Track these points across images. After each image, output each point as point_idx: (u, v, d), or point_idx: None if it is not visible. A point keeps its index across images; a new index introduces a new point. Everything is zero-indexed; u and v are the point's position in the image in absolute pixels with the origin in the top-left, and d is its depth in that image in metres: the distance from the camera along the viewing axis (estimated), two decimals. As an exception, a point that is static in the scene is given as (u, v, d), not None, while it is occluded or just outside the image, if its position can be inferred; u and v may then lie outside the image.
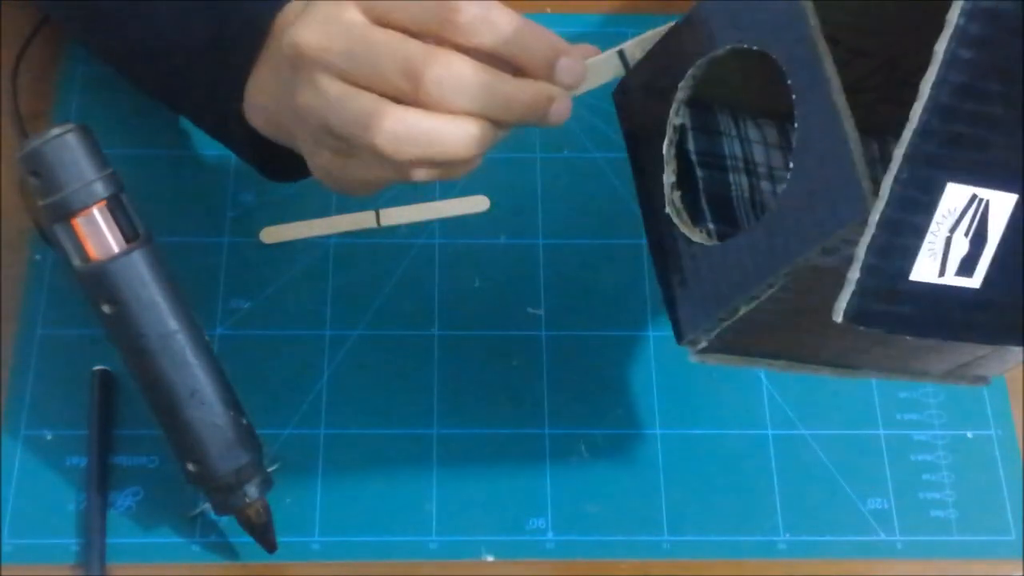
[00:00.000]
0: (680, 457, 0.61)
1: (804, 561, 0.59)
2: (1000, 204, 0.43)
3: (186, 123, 0.68)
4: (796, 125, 0.44)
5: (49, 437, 0.60)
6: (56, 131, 0.52)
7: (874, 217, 0.41)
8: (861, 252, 0.41)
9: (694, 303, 0.48)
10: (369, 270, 0.65)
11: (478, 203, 0.67)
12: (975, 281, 0.44)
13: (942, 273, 0.43)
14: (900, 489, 0.61)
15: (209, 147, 0.67)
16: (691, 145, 0.54)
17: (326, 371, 0.62)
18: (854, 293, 0.42)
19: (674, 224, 0.49)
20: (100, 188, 0.53)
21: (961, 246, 0.43)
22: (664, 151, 0.50)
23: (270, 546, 0.57)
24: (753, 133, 0.56)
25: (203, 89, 0.56)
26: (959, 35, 0.40)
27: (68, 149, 0.52)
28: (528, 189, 0.68)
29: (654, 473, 0.61)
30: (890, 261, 0.42)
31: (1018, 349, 0.50)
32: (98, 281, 0.53)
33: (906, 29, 0.54)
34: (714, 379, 0.63)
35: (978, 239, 0.43)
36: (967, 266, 0.43)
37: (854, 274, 0.41)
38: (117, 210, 0.53)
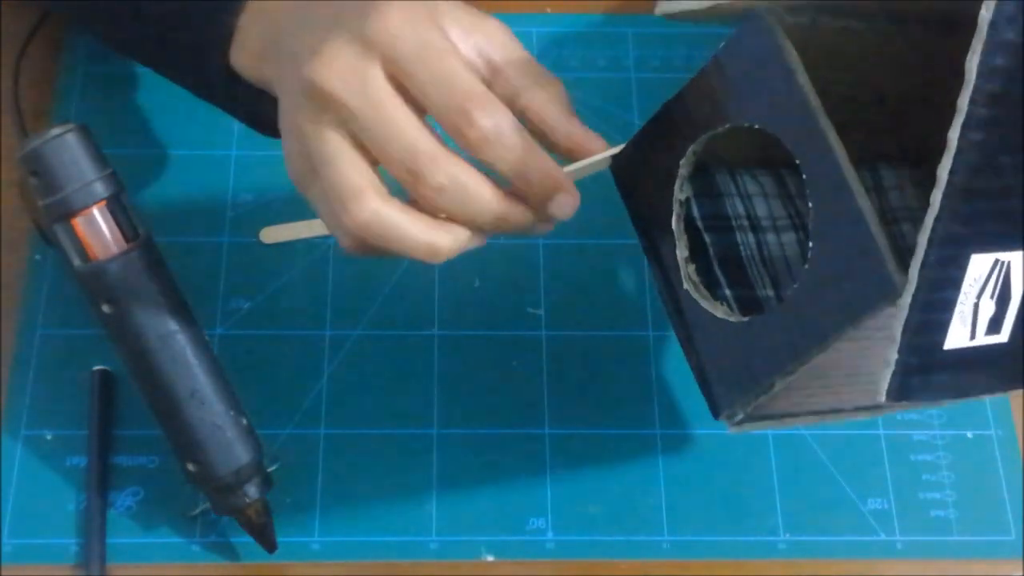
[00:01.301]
0: (680, 457, 0.61)
1: (804, 561, 0.59)
2: (1020, 262, 0.44)
3: (186, 123, 0.68)
4: (810, 205, 0.45)
5: (49, 437, 0.60)
6: (56, 131, 0.52)
7: (906, 300, 0.42)
8: (896, 334, 0.42)
9: (726, 380, 0.48)
10: (369, 270, 0.65)
11: (478, 203, 0.67)
12: (1003, 336, 0.44)
13: (973, 336, 0.44)
14: (900, 489, 0.61)
15: (209, 147, 0.67)
16: (696, 212, 0.54)
17: (326, 371, 0.62)
18: (894, 373, 0.42)
19: (694, 300, 0.49)
20: (100, 188, 0.53)
21: (988, 308, 0.44)
22: (674, 227, 0.50)
23: (270, 546, 0.57)
24: (751, 186, 0.56)
25: (189, 41, 0.55)
26: (968, 120, 0.40)
27: (68, 149, 0.52)
28: (528, 189, 0.68)
29: (654, 473, 0.61)
30: (925, 337, 0.42)
31: None
32: (98, 281, 0.53)
33: (890, 67, 0.54)
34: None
35: (1003, 299, 0.44)
36: (995, 325, 0.44)
37: (892, 355, 0.42)
38: (117, 210, 0.53)
